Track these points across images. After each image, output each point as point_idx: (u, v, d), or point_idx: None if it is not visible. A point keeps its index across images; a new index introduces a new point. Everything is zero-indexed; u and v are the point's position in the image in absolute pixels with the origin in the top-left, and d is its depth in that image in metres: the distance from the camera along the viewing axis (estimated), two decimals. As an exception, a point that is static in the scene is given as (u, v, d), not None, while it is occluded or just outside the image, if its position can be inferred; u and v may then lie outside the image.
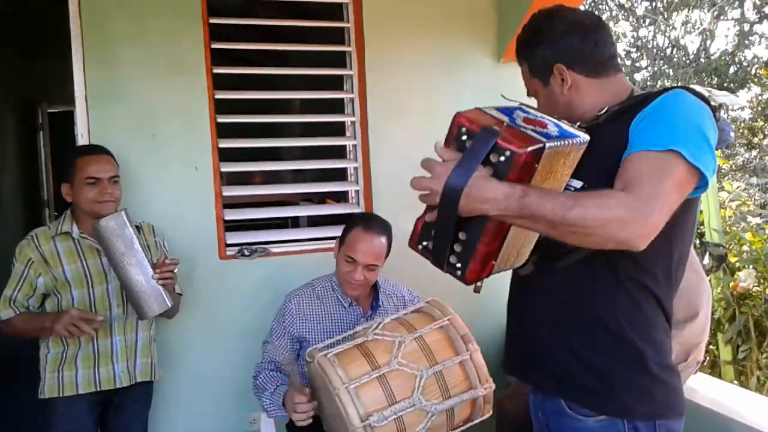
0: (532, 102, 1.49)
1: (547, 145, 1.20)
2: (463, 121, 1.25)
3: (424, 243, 1.34)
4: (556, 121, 1.31)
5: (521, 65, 1.52)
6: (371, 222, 2.24)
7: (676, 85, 1.41)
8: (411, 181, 1.27)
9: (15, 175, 5.87)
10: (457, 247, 1.29)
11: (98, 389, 2.17)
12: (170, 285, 2.14)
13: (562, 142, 1.24)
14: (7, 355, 4.38)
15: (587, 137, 1.30)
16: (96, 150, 2.23)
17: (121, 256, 2.04)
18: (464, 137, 1.24)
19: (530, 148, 1.17)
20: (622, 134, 1.30)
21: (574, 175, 1.34)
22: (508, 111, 1.32)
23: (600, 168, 1.32)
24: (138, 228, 2.25)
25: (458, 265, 1.29)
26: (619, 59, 1.50)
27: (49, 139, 6.43)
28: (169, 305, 2.11)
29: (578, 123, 1.40)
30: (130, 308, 2.17)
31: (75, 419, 2.17)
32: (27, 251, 2.12)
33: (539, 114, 1.33)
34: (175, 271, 2.16)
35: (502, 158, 1.18)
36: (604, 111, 1.39)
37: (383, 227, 2.24)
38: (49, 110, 6.40)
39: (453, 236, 1.26)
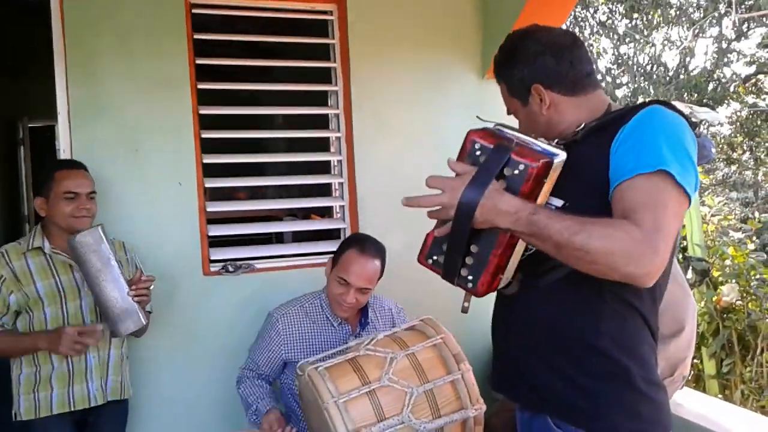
0: (509, 121, 1.50)
1: (555, 160, 1.26)
2: (477, 137, 1.33)
3: (435, 257, 1.39)
4: (533, 140, 1.33)
5: (499, 84, 1.53)
6: (366, 244, 2.21)
7: (652, 99, 1.42)
8: (418, 200, 1.30)
9: (-6, 190, 5.79)
10: (469, 260, 1.33)
11: (72, 409, 2.12)
12: (145, 302, 2.12)
13: (560, 157, 1.29)
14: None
15: (565, 154, 1.31)
16: (73, 165, 2.20)
17: (97, 272, 2.01)
18: (478, 152, 1.31)
19: (542, 161, 1.24)
20: (601, 151, 1.31)
21: (553, 193, 1.34)
22: (499, 130, 1.36)
23: (580, 185, 1.33)
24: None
25: (469, 277, 1.34)
26: (597, 75, 1.51)
27: (30, 153, 6.37)
28: (144, 323, 2.09)
29: (556, 140, 1.41)
30: (104, 324, 2.13)
31: (52, 440, 2.11)
32: None
33: (520, 134, 1.35)
34: (151, 288, 2.13)
35: (516, 171, 1.25)
36: (581, 128, 1.40)
37: (378, 250, 2.22)
38: (29, 125, 6.34)
39: (465, 249, 1.30)
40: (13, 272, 2.08)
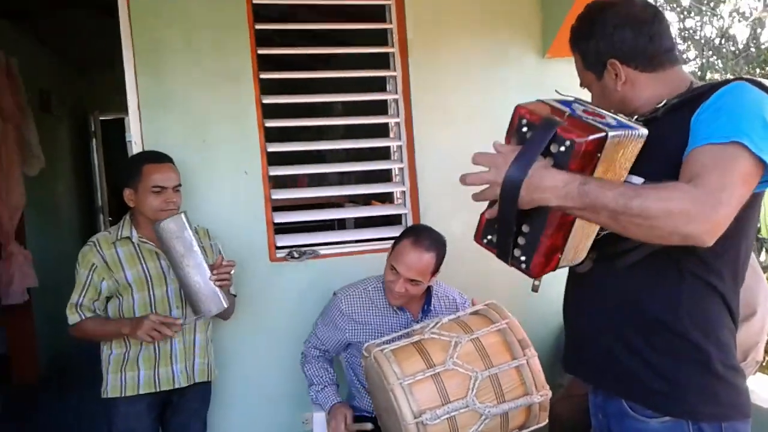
0: (586, 96, 1.47)
1: (610, 134, 1.19)
2: (524, 112, 1.26)
3: (489, 237, 1.36)
4: (613, 114, 1.29)
5: (574, 55, 1.50)
6: (421, 236, 2.20)
7: (737, 77, 1.37)
8: (466, 177, 1.27)
9: (70, 182, 6.06)
10: (521, 240, 1.29)
11: (158, 389, 2.22)
12: (226, 286, 2.19)
13: (623, 132, 1.23)
14: (72, 355, 4.56)
15: (646, 131, 1.28)
16: (161, 158, 2.25)
17: (181, 258, 2.09)
18: (525, 128, 1.26)
19: (591, 137, 1.17)
20: (682, 127, 1.27)
21: (633, 171, 1.31)
22: (567, 103, 1.31)
23: (660, 163, 1.29)
24: (195, 231, 2.29)
25: (522, 258, 1.30)
26: (677, 51, 1.46)
27: (102, 146, 6.64)
28: (225, 306, 2.15)
29: (635, 116, 1.37)
30: (188, 310, 2.22)
31: (135, 419, 2.22)
32: (90, 257, 2.19)
33: (597, 108, 1.31)
34: (232, 272, 2.20)
35: (563, 148, 1.19)
36: (662, 104, 1.36)
37: (433, 243, 2.20)
38: (100, 118, 6.60)
39: (516, 229, 1.27)
40: (104, 260, 2.18)
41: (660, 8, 1.46)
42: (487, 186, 1.26)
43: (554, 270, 1.34)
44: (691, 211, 1.12)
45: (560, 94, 1.40)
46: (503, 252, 1.31)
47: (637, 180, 1.31)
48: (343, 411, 2.22)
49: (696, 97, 1.30)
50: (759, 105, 1.23)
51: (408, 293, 2.21)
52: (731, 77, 1.41)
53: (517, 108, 1.28)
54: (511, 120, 1.29)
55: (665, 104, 1.36)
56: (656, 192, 1.15)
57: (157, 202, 2.17)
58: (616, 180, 1.28)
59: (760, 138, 1.18)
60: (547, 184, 1.18)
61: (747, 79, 1.29)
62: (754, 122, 1.19)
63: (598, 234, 1.35)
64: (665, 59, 1.40)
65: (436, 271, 2.22)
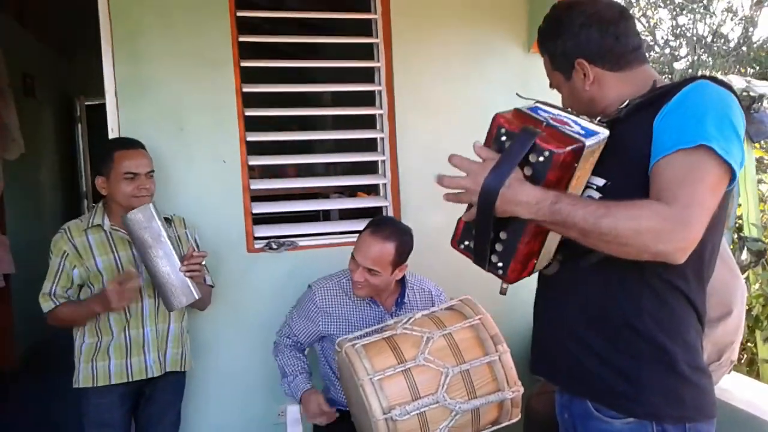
0: (552, 98, 1.45)
1: (587, 143, 1.20)
2: (503, 121, 1.27)
3: (466, 242, 1.36)
4: (575, 118, 1.29)
5: (543, 56, 1.49)
6: (382, 226, 2.20)
7: (700, 75, 1.37)
8: (442, 179, 1.27)
9: (53, 167, 6.00)
10: (498, 247, 1.30)
11: (130, 379, 2.20)
12: (198, 277, 2.16)
13: (596, 140, 1.23)
14: (49, 344, 4.52)
15: (607, 132, 1.28)
16: (132, 144, 2.23)
17: (149, 248, 2.07)
18: (503, 138, 1.25)
19: (569, 148, 1.18)
20: (644, 128, 1.26)
21: (595, 173, 1.31)
22: (533, 109, 1.31)
23: (622, 164, 1.29)
24: (168, 220, 2.27)
25: (500, 264, 1.31)
26: (644, 49, 1.45)
27: (87, 131, 6.58)
28: (197, 297, 2.13)
29: (598, 118, 1.36)
30: (161, 299, 2.20)
31: (107, 410, 2.20)
32: (61, 244, 2.16)
33: (560, 112, 1.31)
34: (203, 263, 2.17)
35: (541, 158, 1.19)
36: (625, 105, 1.35)
37: (395, 233, 2.18)
38: (86, 103, 6.53)
39: (493, 236, 1.28)
40: (75, 248, 2.16)
41: (625, 7, 1.45)
42: (462, 190, 1.26)
43: (529, 275, 1.36)
44: (662, 231, 1.13)
45: (521, 97, 1.41)
46: (480, 258, 1.32)
47: (600, 181, 1.32)
48: (314, 397, 2.22)
49: (658, 97, 1.29)
50: (723, 104, 1.22)
51: (368, 283, 2.18)
52: (693, 75, 1.40)
53: (496, 116, 1.28)
54: (489, 129, 1.29)
55: (628, 104, 1.35)
56: (626, 210, 1.15)
57: (129, 189, 2.14)
58: (581, 185, 1.29)
59: (726, 140, 1.17)
60: (521, 199, 1.19)
61: (708, 77, 1.28)
62: (719, 123, 1.19)
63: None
64: (632, 58, 1.39)
65: (399, 262, 2.19)
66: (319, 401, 2.21)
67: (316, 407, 2.20)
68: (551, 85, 1.51)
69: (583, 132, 1.23)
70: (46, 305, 2.16)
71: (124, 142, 2.28)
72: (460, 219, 1.37)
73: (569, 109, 1.36)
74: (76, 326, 2.22)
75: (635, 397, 1.33)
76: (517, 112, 1.30)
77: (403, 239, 2.19)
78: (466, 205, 1.31)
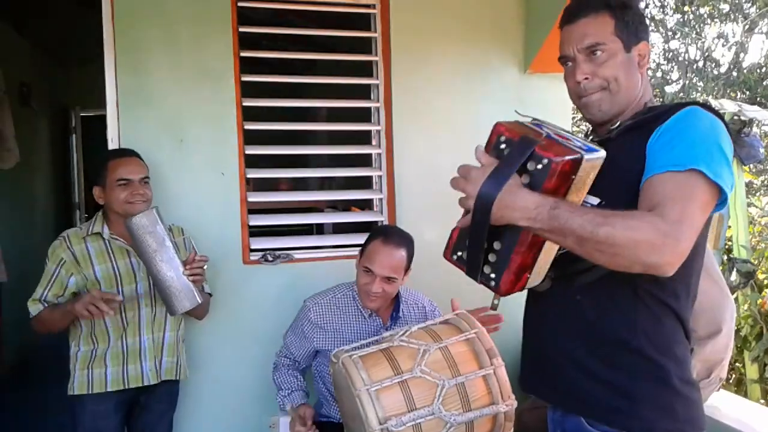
0: (549, 118, 1.47)
1: (585, 157, 1.20)
2: (503, 129, 1.27)
3: (459, 253, 1.35)
4: (574, 136, 1.31)
5: (601, 16, 1.38)
6: (391, 234, 2.24)
7: (691, 100, 1.41)
8: (451, 180, 1.29)
9: (47, 177, 5.99)
10: (492, 257, 1.29)
11: (126, 387, 2.20)
12: (200, 281, 2.17)
13: (596, 155, 1.25)
14: (39, 352, 4.50)
15: (604, 153, 1.30)
16: (125, 153, 2.27)
17: (153, 253, 2.07)
18: (503, 145, 1.26)
19: (567, 158, 1.19)
20: (637, 150, 1.30)
21: (590, 192, 1.33)
22: (536, 124, 1.33)
23: (615, 184, 1.31)
24: (168, 228, 2.28)
25: (492, 275, 1.29)
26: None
27: (82, 142, 6.57)
28: (199, 301, 2.14)
29: (591, 138, 1.39)
30: (158, 307, 2.22)
31: (102, 417, 2.20)
32: (59, 251, 2.17)
33: (561, 130, 1.32)
34: (205, 267, 2.19)
35: (540, 166, 1.19)
36: (617, 125, 1.39)
37: (403, 240, 2.23)
38: (81, 114, 6.53)
39: (487, 245, 1.27)
40: (74, 255, 2.17)
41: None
42: (464, 195, 1.27)
43: (522, 290, 1.35)
44: (656, 243, 1.14)
45: (519, 114, 1.42)
46: (473, 268, 1.31)
47: (594, 200, 1.34)
48: (308, 409, 2.21)
49: (651, 119, 1.33)
50: (713, 131, 1.27)
51: (385, 293, 2.21)
52: (685, 101, 1.44)
53: (496, 125, 1.29)
54: (490, 137, 1.30)
55: (619, 125, 1.38)
56: (624, 221, 1.16)
57: (123, 195, 2.16)
58: (578, 201, 1.30)
59: (716, 164, 1.22)
60: (519, 204, 1.19)
61: (698, 104, 1.32)
62: (711, 149, 1.23)
63: (557, 251, 1.36)
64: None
65: (408, 268, 2.24)
66: (308, 412, 2.18)
67: (308, 413, 2.17)
68: (588, 47, 1.38)
69: (584, 147, 1.24)
70: (34, 308, 2.16)
71: (116, 151, 2.34)
72: (453, 229, 1.37)
73: (569, 131, 1.37)
74: (57, 330, 2.18)
75: (630, 412, 1.35)
76: (516, 123, 1.32)
77: (410, 245, 2.25)
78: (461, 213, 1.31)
